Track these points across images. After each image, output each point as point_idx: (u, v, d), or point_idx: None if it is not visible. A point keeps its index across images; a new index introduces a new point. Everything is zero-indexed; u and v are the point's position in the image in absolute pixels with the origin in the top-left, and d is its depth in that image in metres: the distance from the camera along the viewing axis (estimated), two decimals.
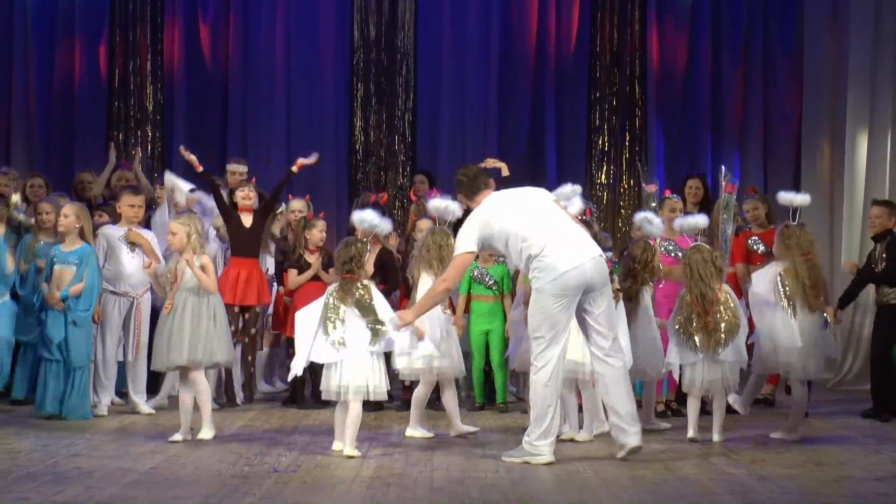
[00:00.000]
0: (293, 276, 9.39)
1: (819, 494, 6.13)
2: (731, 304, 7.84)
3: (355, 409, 7.14)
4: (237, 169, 10.53)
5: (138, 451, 7.21)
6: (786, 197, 8.33)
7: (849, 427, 8.59)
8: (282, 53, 13.15)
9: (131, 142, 13.15)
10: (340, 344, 7.12)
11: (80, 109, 13.05)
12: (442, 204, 8.16)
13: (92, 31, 13.09)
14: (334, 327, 7.14)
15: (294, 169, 9.56)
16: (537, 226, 7.05)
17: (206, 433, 7.60)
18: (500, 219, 7.10)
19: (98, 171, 10.99)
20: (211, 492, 5.94)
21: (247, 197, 9.04)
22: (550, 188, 12.72)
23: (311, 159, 9.57)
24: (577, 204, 7.98)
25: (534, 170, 13.10)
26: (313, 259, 9.39)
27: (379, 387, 7.18)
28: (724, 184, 8.48)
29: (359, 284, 7.23)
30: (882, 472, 6.81)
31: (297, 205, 9.94)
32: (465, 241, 7.12)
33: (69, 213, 8.64)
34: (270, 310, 9.92)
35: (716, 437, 7.83)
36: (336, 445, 7.28)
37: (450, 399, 8.08)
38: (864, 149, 11.86)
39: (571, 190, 8.13)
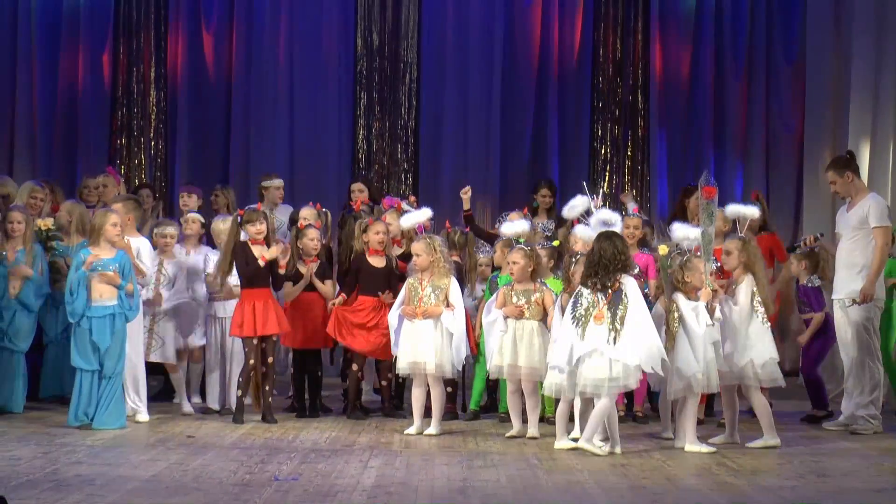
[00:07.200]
0: (287, 287, 9.35)
1: None
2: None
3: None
4: (277, 184, 11.14)
5: (139, 458, 7.21)
6: (734, 209, 8.44)
7: (851, 437, 8.57)
8: (285, 61, 13.15)
9: (134, 149, 13.17)
10: None
11: (84, 117, 13.05)
12: (413, 219, 8.95)
13: (95, 39, 13.09)
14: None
15: None
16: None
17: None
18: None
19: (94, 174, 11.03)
20: (212, 500, 5.94)
21: (259, 231, 9.02)
22: (552, 197, 12.88)
23: None
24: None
25: (536, 179, 13.10)
26: (306, 269, 9.34)
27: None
28: (700, 187, 8.44)
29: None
30: (884, 483, 6.80)
31: (305, 213, 9.90)
32: (885, 218, 8.69)
33: (116, 223, 8.59)
34: None
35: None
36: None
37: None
38: (866, 159, 11.84)
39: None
